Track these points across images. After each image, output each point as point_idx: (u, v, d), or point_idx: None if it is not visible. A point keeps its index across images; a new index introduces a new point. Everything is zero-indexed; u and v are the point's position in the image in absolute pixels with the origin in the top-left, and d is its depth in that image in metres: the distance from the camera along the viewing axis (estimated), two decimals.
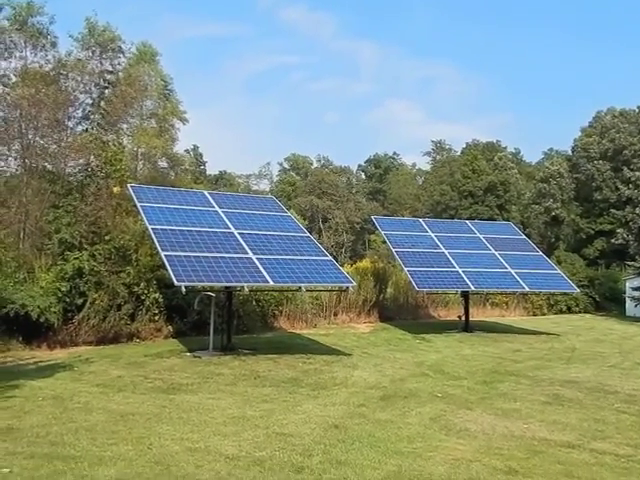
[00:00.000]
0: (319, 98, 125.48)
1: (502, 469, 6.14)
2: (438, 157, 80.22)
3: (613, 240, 37.61)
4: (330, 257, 14.61)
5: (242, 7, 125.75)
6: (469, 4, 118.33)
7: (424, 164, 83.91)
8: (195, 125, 58.87)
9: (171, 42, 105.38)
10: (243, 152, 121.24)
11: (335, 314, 20.11)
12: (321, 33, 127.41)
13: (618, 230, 31.73)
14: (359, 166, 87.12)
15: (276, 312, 18.11)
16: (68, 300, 13.59)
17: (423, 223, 21.77)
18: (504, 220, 44.50)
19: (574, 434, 7.51)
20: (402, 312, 22.38)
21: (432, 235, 20.46)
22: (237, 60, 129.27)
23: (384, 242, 26.33)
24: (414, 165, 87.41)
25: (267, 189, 79.95)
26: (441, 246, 19.88)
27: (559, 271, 21.08)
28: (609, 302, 31.41)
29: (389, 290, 23.00)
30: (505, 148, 66.93)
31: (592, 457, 6.62)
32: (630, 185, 29.86)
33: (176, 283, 11.43)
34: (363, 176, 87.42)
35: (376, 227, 22.37)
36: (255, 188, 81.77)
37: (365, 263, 24.82)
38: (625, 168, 32.96)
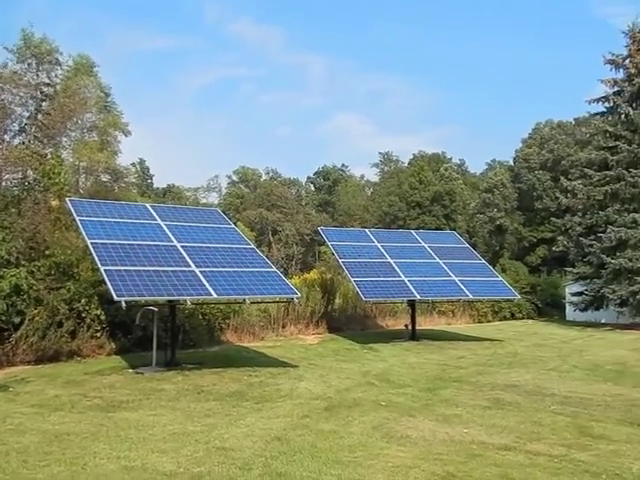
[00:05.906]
0: (268, 111, 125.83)
1: (440, 474, 6.23)
2: (386, 168, 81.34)
3: (554, 248, 38.81)
4: (275, 269, 14.55)
5: (190, 21, 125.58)
6: (418, 18, 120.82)
7: (373, 176, 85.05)
8: (143, 138, 58.29)
9: (119, 56, 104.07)
10: (192, 165, 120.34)
11: (283, 326, 19.99)
12: (269, 46, 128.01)
13: (559, 238, 32.71)
14: (308, 178, 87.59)
15: (223, 325, 17.86)
16: (4, 319, 13.05)
17: (369, 233, 21.95)
18: (451, 230, 45.39)
19: (511, 437, 7.68)
20: (350, 322, 22.44)
21: (378, 245, 20.64)
22: (185, 73, 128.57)
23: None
24: (362, 177, 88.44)
25: (216, 202, 79.37)
26: (387, 256, 20.08)
27: (501, 278, 21.60)
28: (551, 308, 32.45)
29: (337, 301, 23.04)
30: (450, 159, 68.73)
31: (527, 458, 6.78)
32: (568, 194, 30.92)
33: (115, 298, 11.17)
34: (312, 188, 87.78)
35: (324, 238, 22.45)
36: (204, 201, 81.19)
37: (313, 274, 24.87)
38: (563, 178, 34.20)
